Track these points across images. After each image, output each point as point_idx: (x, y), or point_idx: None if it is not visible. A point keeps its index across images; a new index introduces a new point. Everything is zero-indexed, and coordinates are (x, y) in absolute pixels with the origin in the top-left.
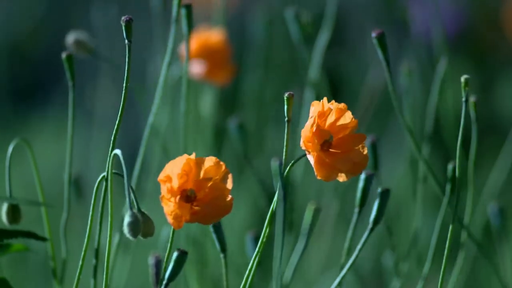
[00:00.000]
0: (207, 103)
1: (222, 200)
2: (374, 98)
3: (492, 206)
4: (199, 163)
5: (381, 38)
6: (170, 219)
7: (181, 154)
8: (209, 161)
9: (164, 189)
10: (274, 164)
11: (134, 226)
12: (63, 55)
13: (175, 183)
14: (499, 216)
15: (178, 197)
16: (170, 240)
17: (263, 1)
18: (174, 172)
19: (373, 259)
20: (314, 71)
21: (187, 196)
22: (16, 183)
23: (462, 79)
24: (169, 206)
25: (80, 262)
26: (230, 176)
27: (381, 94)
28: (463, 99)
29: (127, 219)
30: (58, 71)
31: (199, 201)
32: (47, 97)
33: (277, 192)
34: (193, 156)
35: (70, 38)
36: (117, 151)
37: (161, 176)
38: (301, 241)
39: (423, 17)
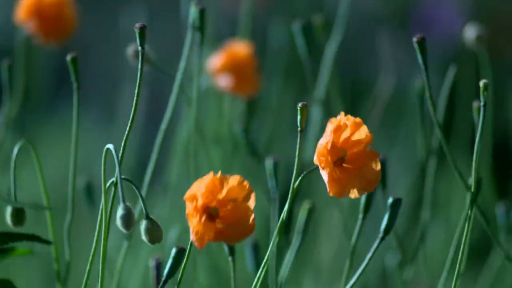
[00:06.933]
0: (229, 113)
1: (245, 221)
2: (383, 103)
3: (500, 208)
4: (223, 181)
5: (421, 43)
6: (193, 236)
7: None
8: (233, 180)
9: (189, 207)
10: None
11: (127, 218)
12: (68, 58)
13: (200, 202)
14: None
15: (203, 216)
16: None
17: (285, 7)
18: (199, 191)
19: (377, 263)
20: (324, 77)
21: (209, 214)
22: (26, 185)
23: (481, 83)
24: (193, 224)
25: (88, 267)
26: (253, 195)
27: (391, 99)
28: (482, 103)
29: (119, 212)
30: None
31: (221, 219)
32: (59, 99)
33: (288, 202)
34: (218, 174)
35: (130, 49)
36: (110, 146)
37: (187, 195)
38: (296, 239)
39: (439, 21)
